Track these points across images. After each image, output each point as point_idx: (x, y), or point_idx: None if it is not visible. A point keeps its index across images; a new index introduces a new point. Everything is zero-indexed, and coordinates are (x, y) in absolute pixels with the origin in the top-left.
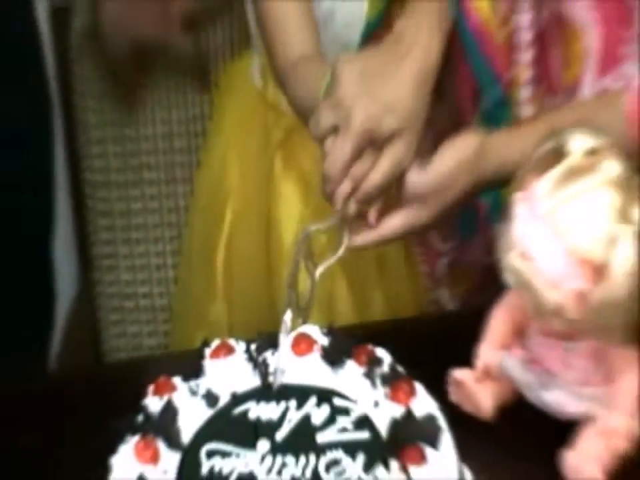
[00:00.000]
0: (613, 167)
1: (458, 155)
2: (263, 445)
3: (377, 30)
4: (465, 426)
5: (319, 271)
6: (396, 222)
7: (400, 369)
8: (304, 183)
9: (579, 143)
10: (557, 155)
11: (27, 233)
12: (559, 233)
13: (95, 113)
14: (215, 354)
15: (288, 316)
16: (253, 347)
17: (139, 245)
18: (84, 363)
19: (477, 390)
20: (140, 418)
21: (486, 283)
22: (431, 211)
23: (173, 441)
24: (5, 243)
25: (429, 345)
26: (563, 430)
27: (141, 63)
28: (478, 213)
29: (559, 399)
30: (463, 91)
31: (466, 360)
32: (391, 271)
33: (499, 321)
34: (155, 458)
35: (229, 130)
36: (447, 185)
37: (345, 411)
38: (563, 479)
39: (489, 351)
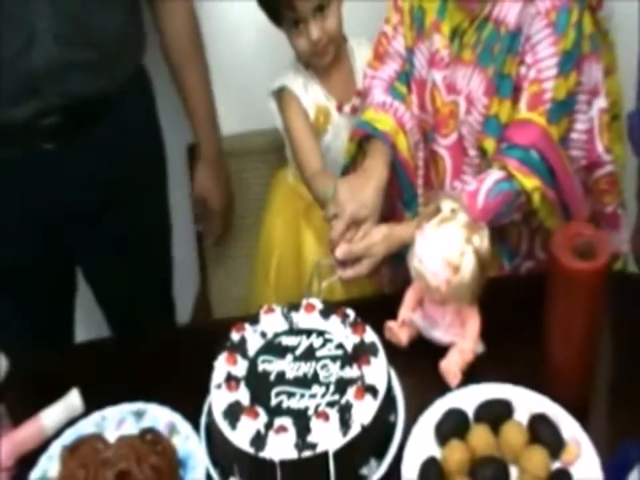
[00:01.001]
0: (463, 217)
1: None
2: (289, 357)
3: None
4: (392, 349)
5: (323, 285)
6: (362, 266)
7: (358, 319)
8: (317, 235)
9: (447, 205)
10: (436, 210)
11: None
12: (436, 249)
13: None
14: (265, 311)
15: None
16: (285, 309)
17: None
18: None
19: (399, 332)
20: (227, 343)
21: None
22: (373, 261)
23: (244, 354)
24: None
25: (377, 308)
26: (442, 350)
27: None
28: None
29: (439, 335)
30: (393, 195)
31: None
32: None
33: (409, 295)
34: (234, 362)
35: (274, 207)
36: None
37: (330, 340)
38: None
39: (405, 311)
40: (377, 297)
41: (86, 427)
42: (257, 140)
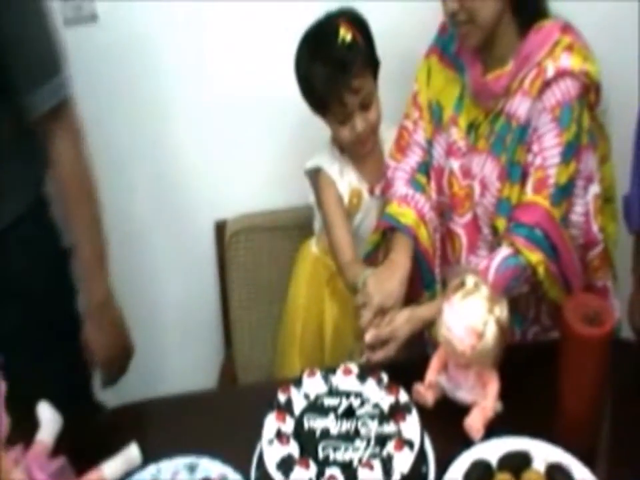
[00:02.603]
0: (485, 290)
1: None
2: (331, 415)
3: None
4: (421, 409)
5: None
6: (389, 348)
7: (390, 381)
8: (339, 303)
9: (470, 280)
10: (461, 284)
11: None
12: (462, 318)
13: None
14: (307, 375)
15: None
16: (324, 372)
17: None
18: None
19: (425, 393)
20: (276, 403)
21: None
22: (399, 343)
23: (291, 413)
24: None
25: (405, 371)
26: (465, 409)
27: None
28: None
29: (462, 396)
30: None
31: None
32: None
33: (435, 360)
34: (283, 420)
35: (300, 276)
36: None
37: (368, 401)
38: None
39: (431, 374)
40: (405, 361)
41: (143, 478)
42: (284, 216)
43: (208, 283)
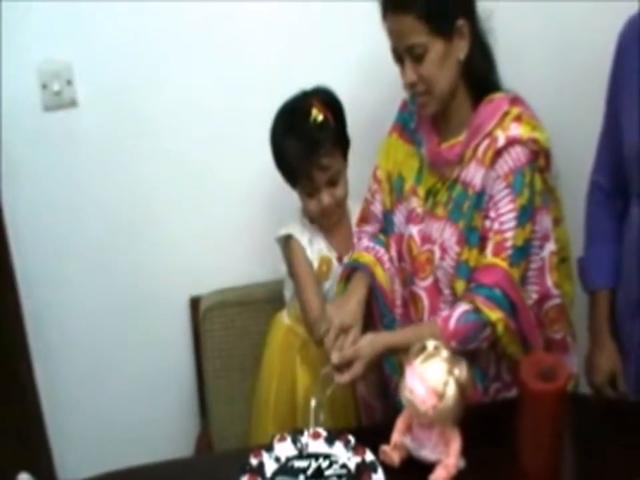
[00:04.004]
0: (445, 353)
1: (367, 339)
2: (301, 477)
3: None
4: (387, 469)
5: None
6: (355, 368)
7: (357, 443)
8: (310, 369)
9: (431, 344)
10: (422, 349)
11: None
12: (424, 381)
13: None
14: (278, 440)
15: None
16: (292, 436)
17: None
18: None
19: (391, 454)
20: (247, 466)
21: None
22: (363, 363)
23: (262, 475)
24: None
25: (372, 435)
26: (430, 467)
27: None
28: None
29: (426, 454)
30: (375, 319)
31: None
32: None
33: (400, 422)
34: None
35: (272, 345)
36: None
37: (336, 462)
38: None
39: (397, 435)
40: (371, 425)
41: None
42: (256, 291)
43: (183, 356)
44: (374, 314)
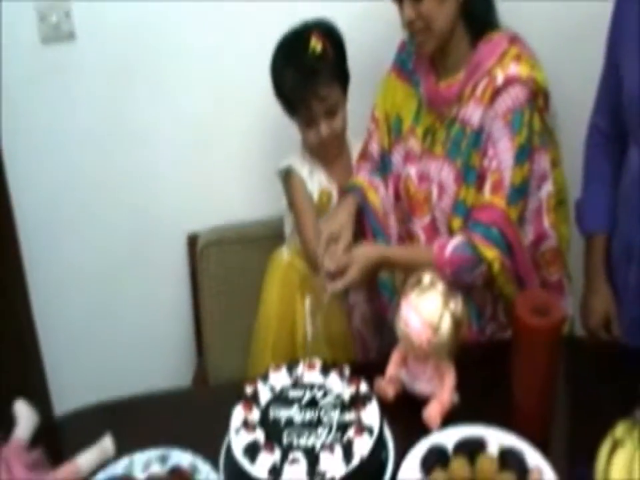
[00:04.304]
0: (440, 286)
1: (362, 246)
2: (295, 406)
3: None
4: (382, 403)
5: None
6: (349, 273)
7: (352, 374)
8: (310, 305)
9: (427, 277)
10: (418, 281)
11: None
12: (419, 313)
13: None
14: (273, 369)
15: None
16: (287, 367)
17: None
18: None
19: (386, 387)
20: (244, 395)
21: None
22: (359, 267)
23: (257, 404)
24: None
25: (367, 369)
26: (424, 401)
27: None
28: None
29: (421, 388)
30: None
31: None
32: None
33: (395, 355)
34: (250, 410)
35: (271, 283)
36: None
37: (330, 392)
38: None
39: (392, 369)
40: (366, 361)
41: (116, 469)
42: (254, 228)
43: (181, 293)
44: (367, 236)
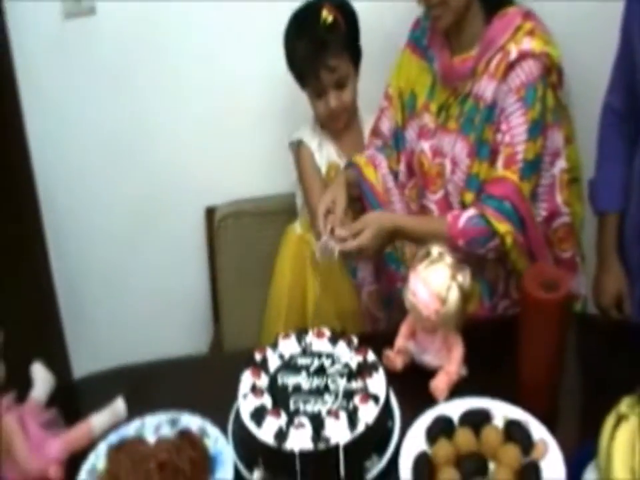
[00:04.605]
0: (449, 259)
1: (376, 216)
2: (303, 373)
3: None
4: (390, 373)
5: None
6: (363, 235)
7: (360, 343)
8: (321, 279)
9: (435, 250)
10: (427, 254)
11: None
12: (427, 285)
13: None
14: (282, 337)
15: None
16: (297, 335)
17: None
18: None
19: (395, 358)
20: (253, 361)
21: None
22: (372, 232)
23: (266, 371)
24: None
25: (375, 341)
26: (432, 373)
27: None
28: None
29: (429, 360)
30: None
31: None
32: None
33: (404, 327)
34: (258, 376)
35: (284, 255)
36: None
37: (338, 361)
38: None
39: (400, 340)
40: (375, 332)
41: (128, 431)
42: (271, 202)
43: (198, 264)
44: (362, 206)
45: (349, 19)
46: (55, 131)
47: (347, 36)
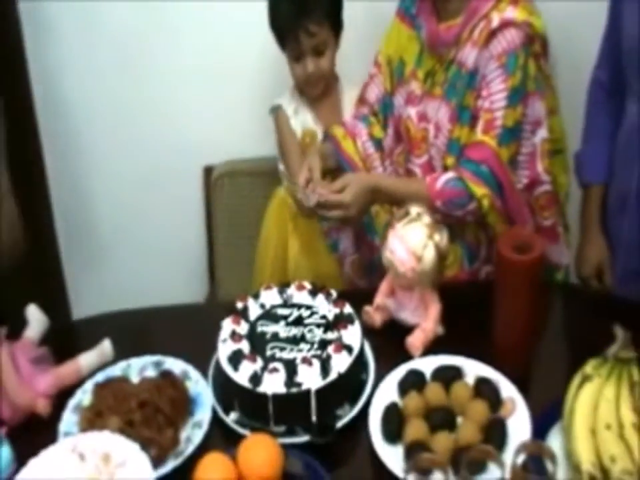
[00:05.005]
0: (426, 219)
1: (356, 176)
2: (282, 323)
3: None
4: (368, 330)
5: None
6: (345, 193)
7: (338, 296)
8: (300, 238)
9: (414, 210)
10: (406, 213)
11: None
12: (404, 243)
13: None
14: (264, 288)
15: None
16: (278, 287)
17: None
18: None
19: (374, 315)
20: (234, 308)
21: None
22: (354, 190)
23: (246, 319)
24: None
25: (355, 298)
26: (409, 330)
27: None
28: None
29: (406, 316)
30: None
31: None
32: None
33: (384, 285)
34: (238, 323)
35: (269, 215)
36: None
37: (316, 312)
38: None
39: (380, 298)
40: (355, 290)
41: (114, 371)
42: (265, 164)
43: (196, 221)
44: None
45: None
46: (61, 96)
47: (329, 5)
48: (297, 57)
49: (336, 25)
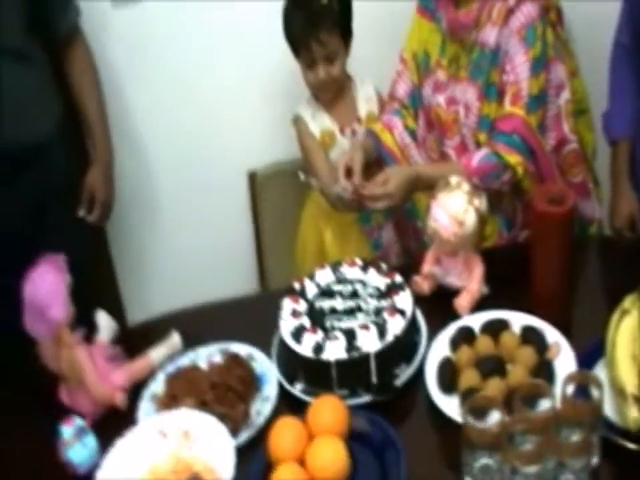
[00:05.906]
0: (465, 186)
1: (397, 168)
2: (338, 298)
3: None
4: (419, 297)
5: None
6: (389, 184)
7: (388, 268)
8: (333, 234)
9: (454, 179)
10: (446, 183)
11: None
12: (446, 210)
13: None
14: (319, 268)
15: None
16: (331, 266)
17: None
18: None
19: (422, 283)
20: (293, 290)
21: None
22: (396, 182)
23: (304, 297)
24: None
25: (401, 267)
26: (457, 293)
27: None
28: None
29: (453, 280)
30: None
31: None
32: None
33: (430, 255)
34: (297, 302)
35: (306, 212)
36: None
37: (369, 285)
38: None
39: (427, 266)
40: (402, 264)
41: (183, 361)
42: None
43: (244, 224)
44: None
45: (344, 3)
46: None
47: (339, 15)
48: (309, 65)
49: (346, 34)
